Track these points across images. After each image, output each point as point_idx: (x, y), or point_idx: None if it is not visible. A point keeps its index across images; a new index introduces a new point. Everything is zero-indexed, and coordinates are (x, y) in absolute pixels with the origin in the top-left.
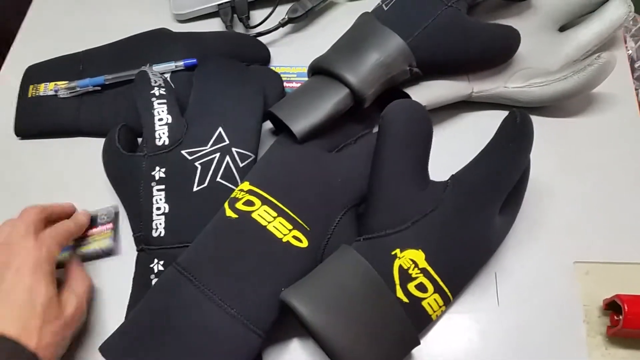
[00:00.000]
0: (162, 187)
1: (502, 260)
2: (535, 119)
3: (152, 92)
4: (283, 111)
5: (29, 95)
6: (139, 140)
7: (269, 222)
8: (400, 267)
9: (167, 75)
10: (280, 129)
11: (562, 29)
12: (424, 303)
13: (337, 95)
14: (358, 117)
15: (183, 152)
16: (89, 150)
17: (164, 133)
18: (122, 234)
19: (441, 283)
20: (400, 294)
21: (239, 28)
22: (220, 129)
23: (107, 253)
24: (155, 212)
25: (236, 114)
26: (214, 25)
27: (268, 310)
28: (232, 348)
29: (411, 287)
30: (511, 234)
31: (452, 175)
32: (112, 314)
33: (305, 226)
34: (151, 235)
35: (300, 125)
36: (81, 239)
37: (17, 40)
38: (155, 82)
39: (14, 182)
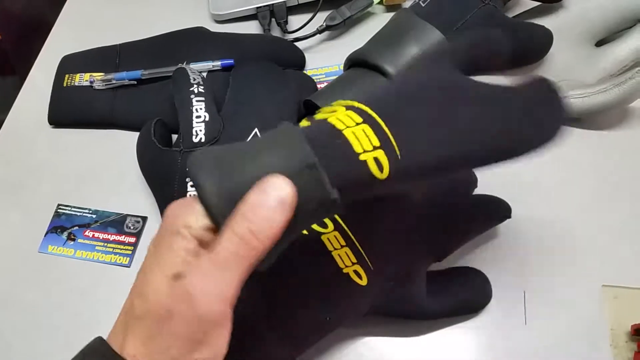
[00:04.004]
0: None
1: (531, 279)
2: (573, 131)
3: (191, 89)
4: (322, 101)
5: (64, 85)
6: (173, 136)
7: (336, 249)
8: None
9: (204, 75)
10: None
11: (599, 44)
12: None
13: (375, 86)
14: None
15: None
16: (121, 143)
17: (200, 130)
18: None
19: None
20: None
21: (276, 32)
22: (256, 130)
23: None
24: None
25: (272, 116)
26: (251, 28)
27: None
28: None
29: None
30: (540, 254)
31: None
32: None
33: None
34: None
35: None
36: (103, 242)
37: (53, 30)
38: (194, 79)
39: (46, 170)
